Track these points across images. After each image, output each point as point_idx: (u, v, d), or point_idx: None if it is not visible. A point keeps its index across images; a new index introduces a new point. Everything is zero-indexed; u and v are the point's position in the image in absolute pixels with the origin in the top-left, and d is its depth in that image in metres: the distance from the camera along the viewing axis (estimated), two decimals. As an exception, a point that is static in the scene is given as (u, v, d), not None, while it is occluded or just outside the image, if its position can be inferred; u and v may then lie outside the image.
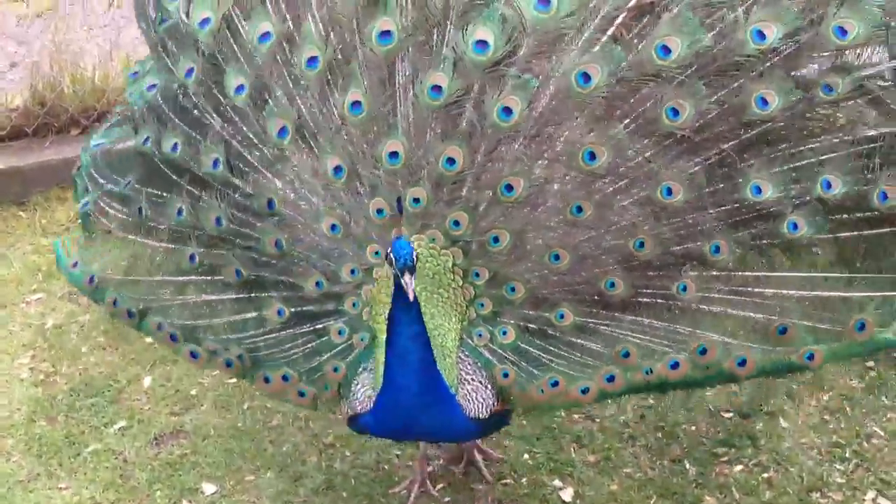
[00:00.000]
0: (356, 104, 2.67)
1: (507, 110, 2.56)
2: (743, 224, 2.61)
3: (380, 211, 2.73)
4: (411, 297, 2.44)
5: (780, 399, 3.75)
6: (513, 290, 2.74)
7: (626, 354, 2.68)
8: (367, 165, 2.72)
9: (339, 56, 2.70)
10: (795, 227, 2.56)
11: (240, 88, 2.79)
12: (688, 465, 3.47)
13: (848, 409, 3.71)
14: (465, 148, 2.63)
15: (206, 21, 2.81)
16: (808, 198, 2.54)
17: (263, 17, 2.75)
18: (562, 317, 2.72)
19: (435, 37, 2.61)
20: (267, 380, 2.92)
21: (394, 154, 2.66)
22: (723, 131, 2.56)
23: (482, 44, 2.53)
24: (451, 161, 2.63)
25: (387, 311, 2.64)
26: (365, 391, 2.78)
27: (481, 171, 2.66)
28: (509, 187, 2.64)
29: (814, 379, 3.79)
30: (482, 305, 2.78)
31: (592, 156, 2.56)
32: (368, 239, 2.78)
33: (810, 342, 2.62)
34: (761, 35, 2.45)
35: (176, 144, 2.91)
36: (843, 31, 2.45)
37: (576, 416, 3.70)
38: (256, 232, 2.85)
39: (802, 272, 2.64)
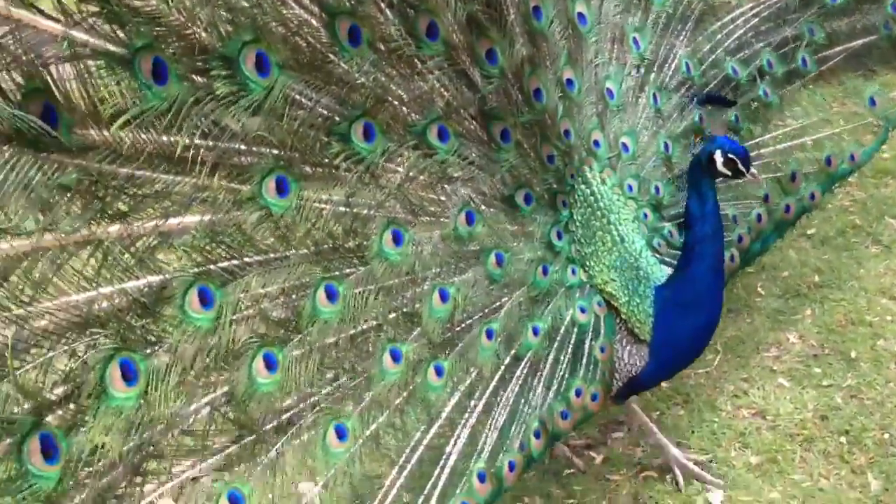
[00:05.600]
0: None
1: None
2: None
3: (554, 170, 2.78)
4: (761, 179, 2.81)
5: None
6: (657, 189, 3.00)
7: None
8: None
9: None
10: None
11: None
12: (871, 479, 3.00)
13: None
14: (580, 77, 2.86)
15: None
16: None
17: None
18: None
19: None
20: (565, 416, 2.70)
21: (569, 82, 2.80)
22: None
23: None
24: (570, 82, 2.82)
25: (602, 259, 2.75)
26: (631, 350, 2.77)
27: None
28: (610, 92, 2.95)
29: None
30: (646, 216, 2.94)
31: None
32: (558, 207, 2.79)
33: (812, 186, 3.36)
34: None
35: None
36: None
37: (744, 411, 3.33)
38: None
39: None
